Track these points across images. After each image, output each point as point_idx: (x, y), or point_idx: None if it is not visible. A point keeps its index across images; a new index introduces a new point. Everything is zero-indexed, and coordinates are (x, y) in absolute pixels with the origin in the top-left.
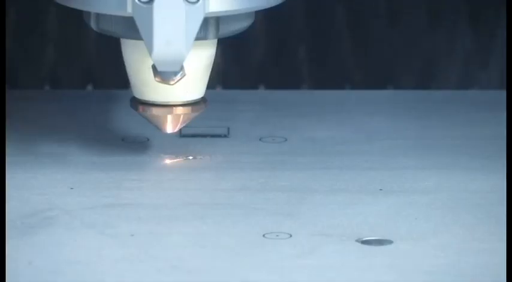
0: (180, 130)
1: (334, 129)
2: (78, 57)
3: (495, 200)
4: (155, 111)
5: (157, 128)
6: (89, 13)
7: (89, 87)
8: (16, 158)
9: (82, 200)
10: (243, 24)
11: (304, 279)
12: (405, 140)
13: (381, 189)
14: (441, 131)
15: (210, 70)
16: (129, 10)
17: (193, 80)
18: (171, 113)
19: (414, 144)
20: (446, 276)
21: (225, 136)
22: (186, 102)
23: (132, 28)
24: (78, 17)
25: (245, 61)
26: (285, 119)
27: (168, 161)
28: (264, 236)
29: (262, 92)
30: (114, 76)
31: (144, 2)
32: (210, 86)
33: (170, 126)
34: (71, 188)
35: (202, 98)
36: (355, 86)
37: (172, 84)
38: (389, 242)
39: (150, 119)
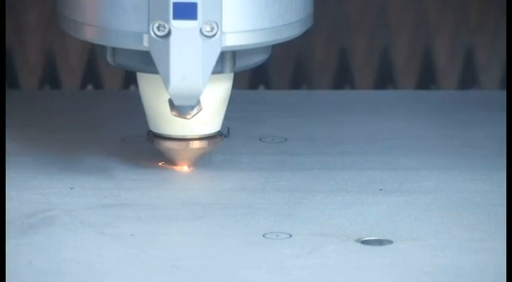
0: None
1: (334, 129)
2: (78, 57)
3: (495, 200)
4: (171, 144)
5: (173, 161)
6: (104, 47)
7: (89, 87)
8: (16, 158)
9: (82, 200)
10: (259, 58)
11: (304, 279)
12: (405, 140)
13: (381, 189)
14: (441, 131)
15: (227, 103)
16: (145, 44)
17: (209, 113)
18: (187, 146)
19: (414, 144)
20: (446, 276)
21: (225, 136)
22: (202, 136)
23: (148, 62)
24: None
25: None
26: (285, 119)
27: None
28: (264, 236)
29: (262, 92)
30: (114, 76)
31: (160, 36)
32: None
33: (186, 160)
34: (71, 188)
35: (218, 131)
36: (355, 86)
37: (189, 119)
38: (389, 242)
39: (166, 152)
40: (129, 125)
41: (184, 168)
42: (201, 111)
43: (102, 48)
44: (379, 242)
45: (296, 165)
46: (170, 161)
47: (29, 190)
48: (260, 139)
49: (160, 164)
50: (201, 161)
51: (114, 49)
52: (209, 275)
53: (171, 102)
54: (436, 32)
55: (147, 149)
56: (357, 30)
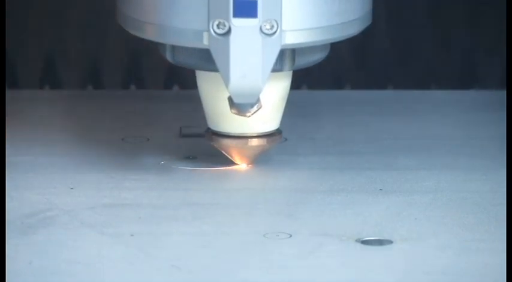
0: (180, 130)
1: (334, 129)
2: (78, 57)
3: (495, 200)
4: (230, 142)
5: (232, 159)
6: (164, 45)
7: (89, 87)
8: (16, 158)
9: (82, 200)
10: (318, 56)
11: (304, 279)
12: (405, 140)
13: (381, 189)
14: (441, 131)
15: (286, 101)
16: (205, 42)
17: (269, 111)
18: (246, 144)
19: (414, 144)
20: (446, 276)
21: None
22: (261, 134)
23: (208, 60)
24: (78, 16)
25: None
26: (285, 119)
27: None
28: (264, 236)
29: None
30: (114, 76)
31: (220, 34)
32: None
33: (245, 158)
34: (71, 188)
35: (277, 129)
36: (355, 86)
37: (249, 116)
38: (389, 242)
39: (225, 150)
40: (129, 125)
41: (242, 165)
42: (260, 109)
43: (162, 46)
44: (379, 242)
45: (296, 165)
46: (229, 158)
47: (29, 190)
48: None
49: (160, 163)
50: (202, 161)
51: (173, 47)
52: (209, 275)
53: (230, 100)
54: (436, 32)
55: (147, 149)
56: None
